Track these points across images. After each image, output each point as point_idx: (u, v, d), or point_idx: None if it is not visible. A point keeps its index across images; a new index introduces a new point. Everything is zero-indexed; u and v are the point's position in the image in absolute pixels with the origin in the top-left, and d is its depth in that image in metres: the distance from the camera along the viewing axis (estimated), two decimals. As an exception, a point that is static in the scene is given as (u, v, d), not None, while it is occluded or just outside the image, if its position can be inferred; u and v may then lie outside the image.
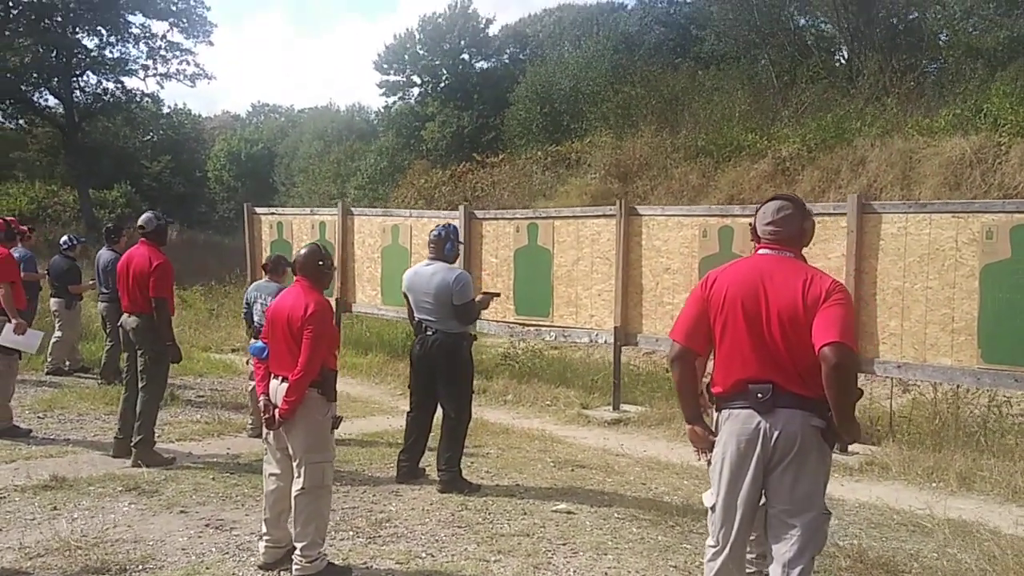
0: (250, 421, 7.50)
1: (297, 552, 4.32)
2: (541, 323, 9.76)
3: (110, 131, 39.82)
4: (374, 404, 9.17)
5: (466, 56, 39.24)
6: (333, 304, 11.59)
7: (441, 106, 37.31)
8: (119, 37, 32.78)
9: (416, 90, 39.84)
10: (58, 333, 10.24)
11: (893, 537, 5.17)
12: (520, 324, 9.99)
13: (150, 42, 33.23)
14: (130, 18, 32.58)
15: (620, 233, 8.94)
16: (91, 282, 10.30)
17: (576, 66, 29.70)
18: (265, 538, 4.53)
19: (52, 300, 10.28)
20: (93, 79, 33.56)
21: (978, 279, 6.74)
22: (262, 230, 13.22)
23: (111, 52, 32.95)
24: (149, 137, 45.05)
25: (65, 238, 10.65)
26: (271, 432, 4.49)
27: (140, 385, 6.54)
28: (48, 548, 4.70)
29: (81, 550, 4.68)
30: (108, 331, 9.65)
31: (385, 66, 39.64)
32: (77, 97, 33.48)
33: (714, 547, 3.45)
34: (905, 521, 5.46)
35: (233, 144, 49.67)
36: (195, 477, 6.19)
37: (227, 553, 4.72)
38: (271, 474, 4.55)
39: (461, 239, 6.90)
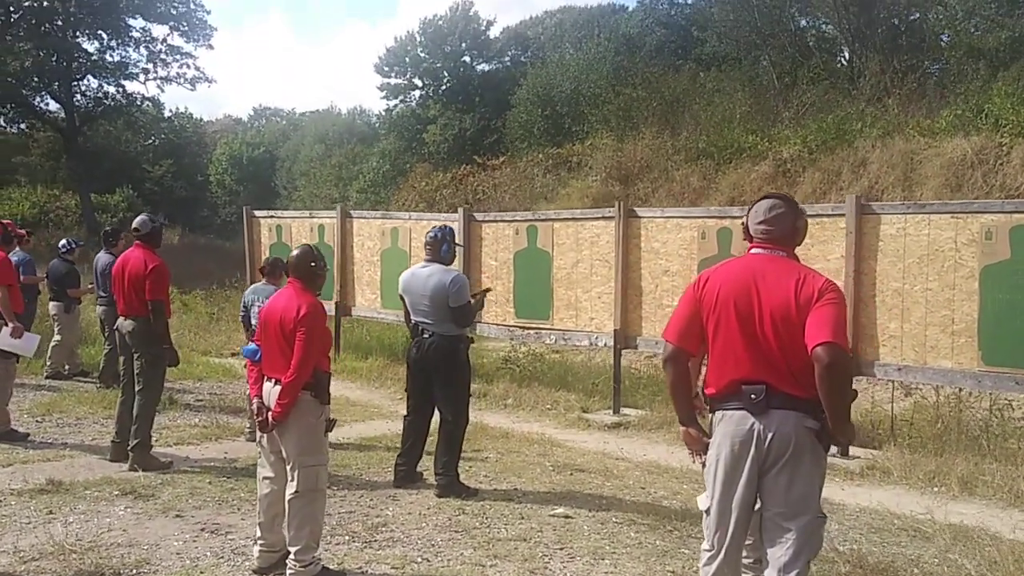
0: (248, 425, 7.47)
1: (291, 556, 4.29)
2: (541, 326, 9.73)
3: (111, 135, 39.92)
4: (373, 408, 9.15)
5: (467, 58, 39.25)
6: (332, 308, 11.67)
7: (443, 109, 37.31)
8: (120, 41, 32.89)
9: (417, 93, 39.83)
10: (57, 337, 10.22)
11: (893, 542, 5.13)
12: (520, 327, 9.96)
13: (150, 46, 33.37)
14: (130, 22, 32.75)
15: (619, 235, 8.91)
16: (90, 286, 10.28)
17: (577, 68, 29.69)
18: (259, 542, 4.51)
19: (51, 304, 10.26)
20: (94, 83, 33.78)
21: (978, 280, 6.70)
22: (261, 233, 13.21)
23: (111, 56, 33.12)
24: (151, 141, 45.15)
25: (64, 242, 10.64)
26: (265, 435, 4.46)
27: (137, 389, 6.51)
28: (43, 552, 4.69)
29: (76, 554, 4.66)
30: (107, 335, 9.63)
31: (386, 69, 39.65)
32: (78, 101, 33.59)
33: (709, 551, 3.42)
34: (906, 526, 5.41)
35: (235, 148, 49.69)
36: (192, 481, 6.17)
37: (222, 557, 4.70)
38: (265, 477, 4.53)
39: (459, 241, 6.88)
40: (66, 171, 35.69)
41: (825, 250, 7.53)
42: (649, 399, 9.20)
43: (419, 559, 4.71)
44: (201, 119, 55.53)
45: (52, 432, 7.68)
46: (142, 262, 6.50)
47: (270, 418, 4.36)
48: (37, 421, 8.04)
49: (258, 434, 4.56)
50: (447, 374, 5.97)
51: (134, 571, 4.49)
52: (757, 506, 3.39)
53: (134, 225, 6.74)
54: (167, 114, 45.90)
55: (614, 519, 5.44)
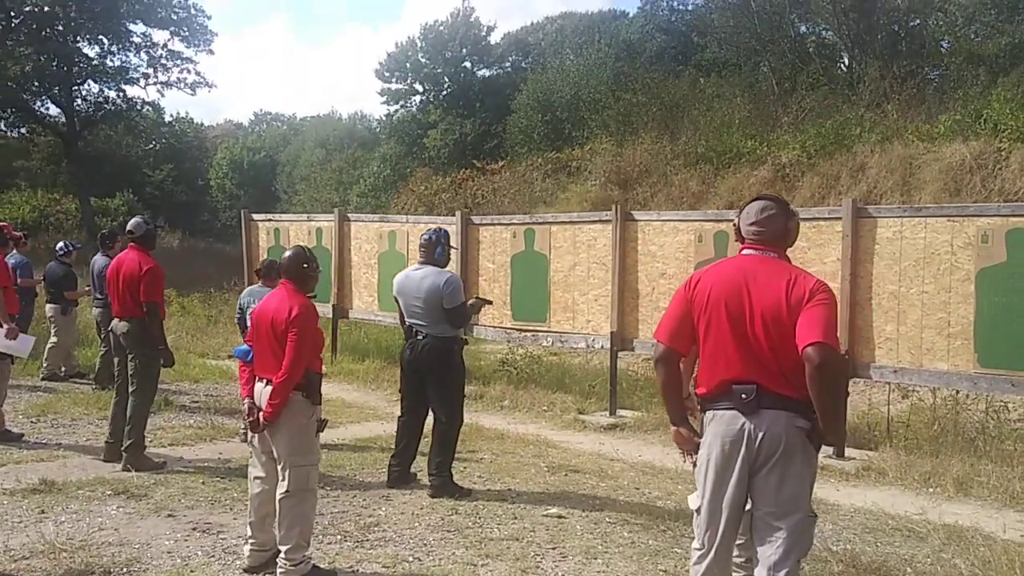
0: (243, 426, 7.45)
1: (281, 555, 4.28)
2: (538, 329, 9.72)
3: (112, 139, 39.96)
4: (369, 410, 9.13)
5: (468, 64, 39.31)
6: (330, 311, 11.67)
7: (443, 114, 37.37)
8: (120, 46, 32.89)
9: (418, 98, 39.90)
10: (54, 339, 10.21)
11: (887, 542, 5.11)
12: (517, 330, 9.95)
13: (151, 51, 33.35)
14: (131, 27, 32.72)
15: (616, 238, 8.91)
16: (87, 288, 10.27)
17: (577, 74, 29.76)
18: (250, 541, 4.50)
19: (48, 306, 10.26)
20: (94, 87, 33.78)
21: (974, 283, 6.69)
22: (259, 236, 13.22)
23: (112, 61, 33.10)
24: (151, 146, 45.22)
25: (61, 244, 10.64)
26: (256, 435, 4.45)
27: (130, 389, 6.51)
28: (33, 551, 4.68)
29: (66, 553, 4.65)
30: (103, 336, 9.63)
31: (387, 74, 39.71)
32: (78, 105, 33.59)
33: (700, 550, 3.41)
34: (900, 526, 5.40)
35: (235, 152, 49.79)
36: (185, 481, 6.16)
37: (213, 556, 4.69)
38: (256, 477, 4.52)
39: (454, 244, 6.88)
40: (66, 175, 35.73)
41: (822, 253, 7.52)
42: (646, 401, 9.18)
43: (410, 558, 4.70)
44: (202, 124, 55.80)
45: (47, 433, 7.67)
46: (137, 264, 6.50)
47: (261, 418, 4.36)
48: (32, 422, 8.03)
49: (249, 434, 4.55)
50: (441, 375, 5.96)
51: (124, 570, 4.48)
52: (749, 506, 3.38)
53: (128, 227, 6.75)
54: (168, 119, 46.01)
55: (607, 519, 5.42)
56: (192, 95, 49.10)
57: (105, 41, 32.66)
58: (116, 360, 6.80)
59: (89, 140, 36.77)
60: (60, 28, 31.33)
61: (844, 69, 25.81)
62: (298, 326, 4.32)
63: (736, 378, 3.30)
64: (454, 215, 11.01)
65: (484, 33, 39.40)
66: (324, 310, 11.50)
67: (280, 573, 4.27)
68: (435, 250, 6.07)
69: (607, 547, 4.91)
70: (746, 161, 17.06)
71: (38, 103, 33.58)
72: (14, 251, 9.85)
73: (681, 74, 26.36)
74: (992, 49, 21.99)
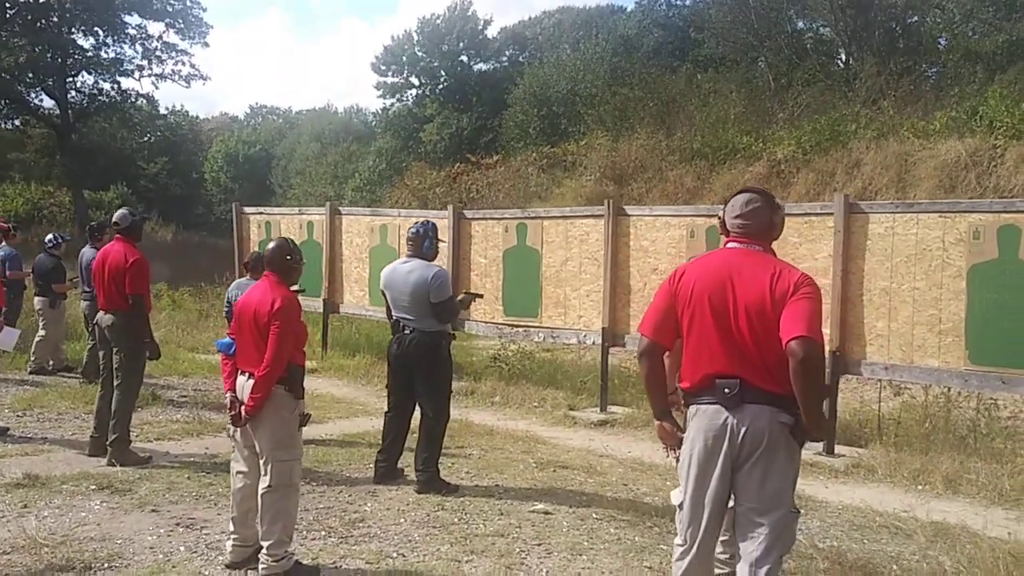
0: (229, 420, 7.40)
1: (263, 551, 4.24)
2: (530, 324, 9.68)
3: (106, 132, 39.80)
4: (358, 405, 9.08)
5: (464, 58, 39.25)
6: (321, 305, 11.61)
7: (440, 108, 37.30)
8: (115, 38, 32.79)
9: (414, 92, 39.83)
10: (41, 332, 10.14)
11: (874, 539, 5.09)
12: (509, 325, 9.91)
13: (146, 43, 33.27)
14: (126, 19, 32.65)
15: (608, 233, 8.87)
16: (73, 279, 10.20)
17: (574, 68, 29.71)
18: (232, 536, 4.45)
19: (36, 299, 10.18)
20: (89, 79, 33.64)
21: (965, 279, 6.66)
22: (250, 230, 13.15)
23: (107, 53, 32.98)
24: (146, 138, 45.04)
25: (50, 236, 10.56)
26: (238, 429, 4.41)
27: (115, 383, 6.45)
28: (14, 546, 4.63)
29: (48, 548, 4.60)
30: (90, 330, 9.56)
31: (383, 68, 39.64)
32: (72, 97, 33.48)
33: (682, 546, 3.38)
34: (887, 523, 5.37)
35: (230, 146, 49.68)
36: (170, 476, 6.11)
37: (195, 552, 4.64)
38: (238, 472, 4.47)
39: (442, 237, 6.82)
40: (60, 168, 35.57)
41: (813, 249, 7.49)
42: (637, 397, 9.14)
43: (395, 554, 4.66)
44: (197, 117, 55.63)
45: (32, 427, 7.61)
46: (122, 256, 6.44)
47: (243, 412, 4.31)
48: (18, 416, 7.96)
49: (231, 428, 4.50)
50: (428, 370, 5.91)
51: (106, 565, 4.43)
52: (732, 502, 3.35)
53: (114, 219, 6.69)
54: (163, 112, 45.85)
55: (594, 515, 5.39)
56: (187, 87, 49.06)
57: (100, 32, 32.57)
58: (102, 353, 6.74)
59: (83, 132, 36.65)
60: (55, 19, 31.19)
61: (841, 65, 25.80)
62: (280, 319, 4.27)
63: (719, 372, 3.26)
64: (446, 209, 10.95)
65: (481, 27, 39.35)
66: (315, 304, 11.46)
67: (262, 568, 4.23)
68: (423, 243, 6.01)
69: (593, 543, 4.88)
70: (742, 157, 17.04)
71: (32, 94, 33.48)
72: (3, 243, 9.81)
73: (678, 69, 26.32)
74: (989, 46, 21.97)
